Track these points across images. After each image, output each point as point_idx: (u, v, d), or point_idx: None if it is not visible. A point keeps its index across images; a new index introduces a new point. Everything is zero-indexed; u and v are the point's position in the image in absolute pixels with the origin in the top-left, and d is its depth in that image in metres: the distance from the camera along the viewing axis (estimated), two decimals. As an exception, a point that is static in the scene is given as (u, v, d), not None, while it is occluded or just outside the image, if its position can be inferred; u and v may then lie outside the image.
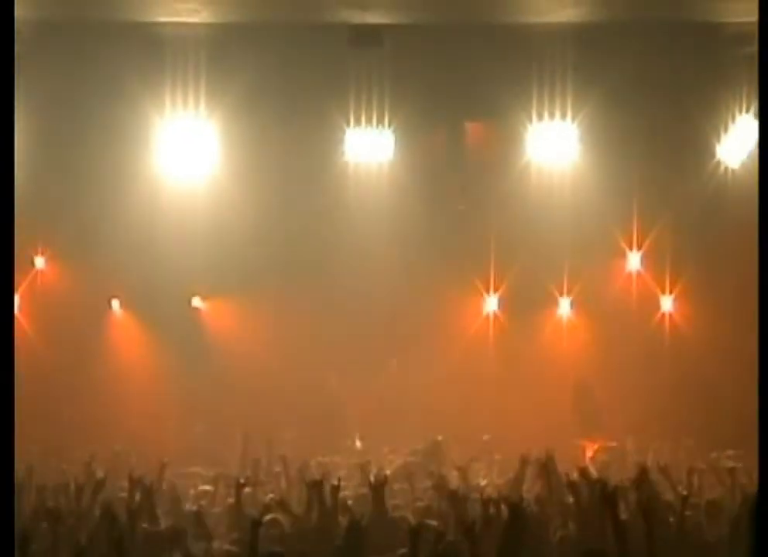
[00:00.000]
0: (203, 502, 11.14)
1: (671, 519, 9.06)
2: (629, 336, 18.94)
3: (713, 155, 17.57)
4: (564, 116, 16.89)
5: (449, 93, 17.05)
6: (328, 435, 16.75)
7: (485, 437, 16.14)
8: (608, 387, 18.73)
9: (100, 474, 10.97)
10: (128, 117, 16.56)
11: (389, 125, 17.01)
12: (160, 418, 18.30)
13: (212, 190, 17.74)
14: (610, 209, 18.21)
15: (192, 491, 12.11)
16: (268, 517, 9.07)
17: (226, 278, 18.57)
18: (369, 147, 17.29)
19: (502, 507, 8.80)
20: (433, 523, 9.05)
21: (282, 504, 9.94)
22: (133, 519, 8.96)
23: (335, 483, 9.73)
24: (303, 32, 16.00)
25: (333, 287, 18.73)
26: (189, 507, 10.69)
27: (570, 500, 9.45)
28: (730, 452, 14.74)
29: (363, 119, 16.88)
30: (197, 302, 19.24)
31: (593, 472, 10.98)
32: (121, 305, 19.10)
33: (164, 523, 9.61)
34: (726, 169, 17.56)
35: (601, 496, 8.30)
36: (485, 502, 9.05)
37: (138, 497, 9.87)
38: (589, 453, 16.86)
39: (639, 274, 19.09)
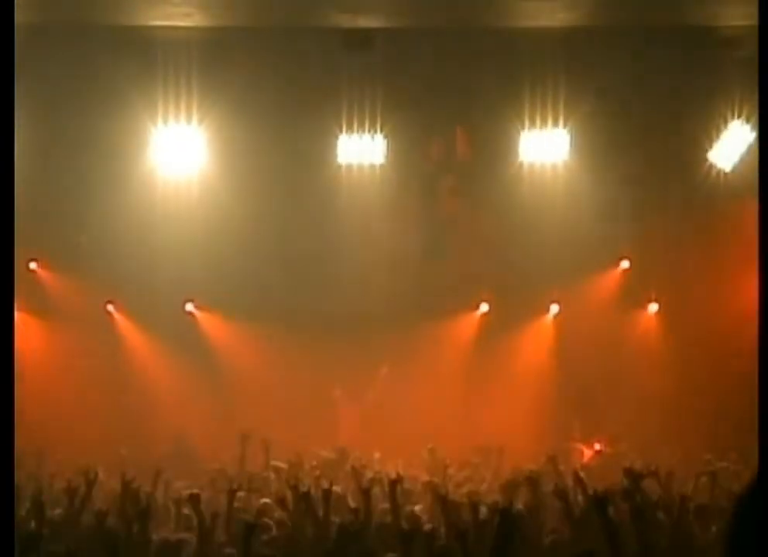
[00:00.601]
0: (197, 505, 11.09)
1: (664, 522, 9.08)
2: (620, 341, 19.00)
3: (705, 158, 17.58)
4: (555, 121, 16.90)
5: (441, 97, 17.06)
6: (322, 439, 16.72)
7: (477, 444, 16.11)
8: (603, 392, 18.78)
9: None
10: (121, 122, 16.55)
11: (382, 130, 17.03)
12: (158, 419, 18.38)
13: (204, 193, 17.75)
14: (601, 213, 18.27)
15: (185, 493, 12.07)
16: (261, 521, 9.09)
17: (220, 283, 18.57)
18: (362, 152, 17.30)
19: (493, 512, 8.82)
20: (427, 526, 9.07)
21: (275, 508, 9.94)
22: (127, 525, 8.96)
23: (326, 486, 9.74)
24: (295, 37, 16.02)
25: (325, 291, 18.75)
26: (183, 511, 10.66)
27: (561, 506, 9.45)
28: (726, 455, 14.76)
29: (355, 124, 16.89)
30: (190, 307, 19.28)
31: (584, 477, 10.97)
32: (117, 309, 19.14)
33: (159, 528, 9.60)
34: (719, 172, 17.58)
35: (594, 501, 8.32)
36: (475, 507, 9.07)
37: (131, 501, 9.86)
38: (583, 458, 16.88)
39: (630, 278, 19.11)
